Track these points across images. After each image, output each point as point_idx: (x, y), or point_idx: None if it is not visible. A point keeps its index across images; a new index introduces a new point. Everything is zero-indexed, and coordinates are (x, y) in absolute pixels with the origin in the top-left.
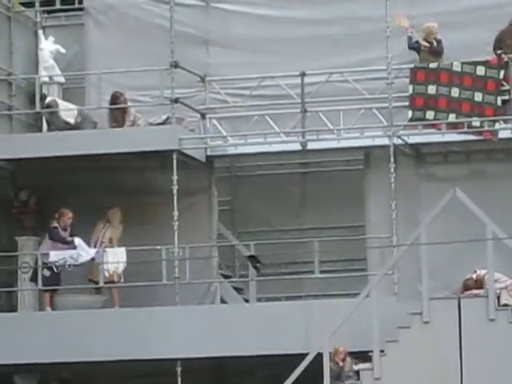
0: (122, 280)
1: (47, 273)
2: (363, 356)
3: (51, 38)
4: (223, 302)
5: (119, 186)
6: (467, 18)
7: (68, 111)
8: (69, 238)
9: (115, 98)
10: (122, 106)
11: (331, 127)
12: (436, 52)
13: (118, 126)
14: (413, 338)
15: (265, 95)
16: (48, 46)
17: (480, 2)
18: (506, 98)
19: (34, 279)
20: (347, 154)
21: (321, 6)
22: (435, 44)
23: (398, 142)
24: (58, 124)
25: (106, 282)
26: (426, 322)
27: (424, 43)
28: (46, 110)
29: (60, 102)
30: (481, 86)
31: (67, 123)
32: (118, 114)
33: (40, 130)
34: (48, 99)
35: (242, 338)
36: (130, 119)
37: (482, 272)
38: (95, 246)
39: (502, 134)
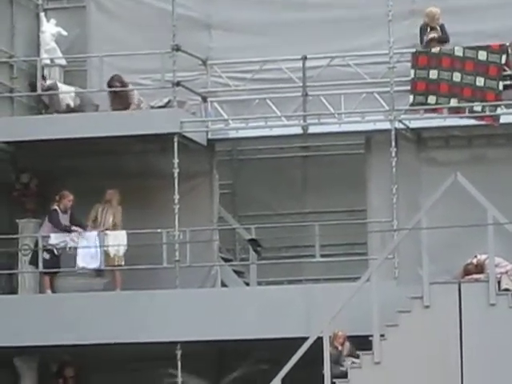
0: (123, 263)
1: (47, 256)
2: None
3: (53, 21)
4: (224, 285)
5: (120, 169)
6: (468, 3)
7: (68, 94)
8: (66, 224)
9: (112, 82)
10: (123, 88)
11: (332, 111)
12: (443, 40)
13: (122, 109)
14: (413, 322)
15: (266, 79)
16: (50, 28)
17: None
18: (508, 82)
19: (33, 262)
20: (348, 138)
21: None
22: (439, 29)
23: (400, 126)
24: (57, 107)
25: (106, 265)
26: (427, 307)
27: (431, 35)
28: (46, 92)
29: (60, 84)
30: (482, 71)
31: (67, 106)
32: (121, 100)
33: (40, 112)
34: (48, 82)
35: (243, 321)
36: (135, 102)
37: (483, 257)
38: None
39: (504, 119)
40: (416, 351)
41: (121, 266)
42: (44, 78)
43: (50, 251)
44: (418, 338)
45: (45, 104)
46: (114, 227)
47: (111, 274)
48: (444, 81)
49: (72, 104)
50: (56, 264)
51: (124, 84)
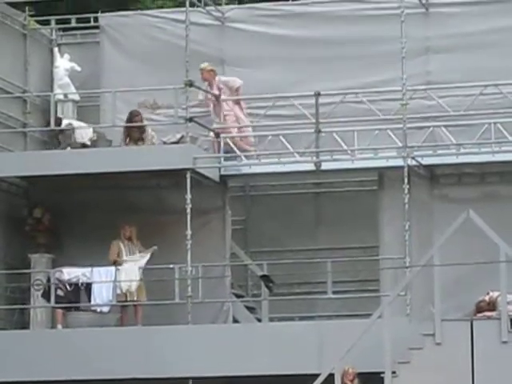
0: (135, 298)
1: (60, 292)
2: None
3: (66, 56)
4: (235, 321)
5: (133, 204)
6: (482, 40)
7: (83, 132)
8: None
9: (133, 117)
10: (137, 124)
11: (345, 148)
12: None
13: (135, 144)
14: (425, 359)
15: (279, 115)
16: (63, 63)
17: (496, 24)
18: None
19: (45, 296)
20: (361, 174)
21: (336, 26)
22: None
23: (412, 163)
24: (73, 147)
25: (119, 301)
26: (439, 344)
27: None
28: (60, 128)
29: (75, 123)
30: None
31: (83, 145)
32: (136, 134)
33: (54, 147)
34: (64, 123)
35: (254, 357)
36: (148, 138)
37: (495, 294)
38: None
39: None
40: None
41: (133, 301)
42: (60, 120)
43: (63, 286)
44: (429, 375)
45: (58, 141)
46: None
47: (124, 309)
48: None
49: (89, 143)
50: (69, 299)
51: (142, 119)
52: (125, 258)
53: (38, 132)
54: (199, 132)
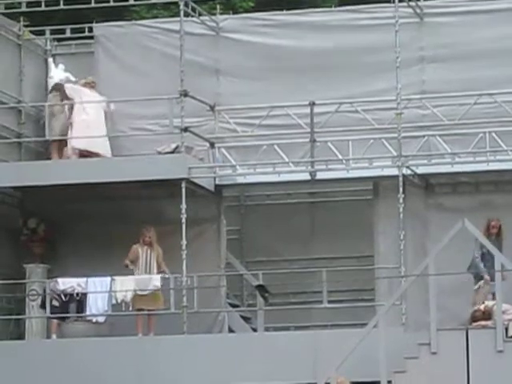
0: (131, 308)
1: (56, 303)
2: None
3: (61, 66)
4: (231, 331)
5: (128, 214)
6: (477, 50)
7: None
8: None
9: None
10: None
11: (340, 157)
12: None
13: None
14: (420, 368)
15: (274, 125)
16: (58, 73)
17: (491, 34)
18: None
19: (43, 306)
20: (356, 183)
21: (331, 36)
22: None
23: (407, 172)
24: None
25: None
26: (434, 353)
27: None
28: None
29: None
30: None
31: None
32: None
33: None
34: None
35: (250, 367)
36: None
37: (490, 303)
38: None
39: (510, 166)
40: None
41: (128, 311)
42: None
43: (59, 296)
44: None
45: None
46: (159, 269)
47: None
48: None
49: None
50: (65, 309)
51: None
52: (140, 265)
53: (32, 142)
54: (194, 142)
